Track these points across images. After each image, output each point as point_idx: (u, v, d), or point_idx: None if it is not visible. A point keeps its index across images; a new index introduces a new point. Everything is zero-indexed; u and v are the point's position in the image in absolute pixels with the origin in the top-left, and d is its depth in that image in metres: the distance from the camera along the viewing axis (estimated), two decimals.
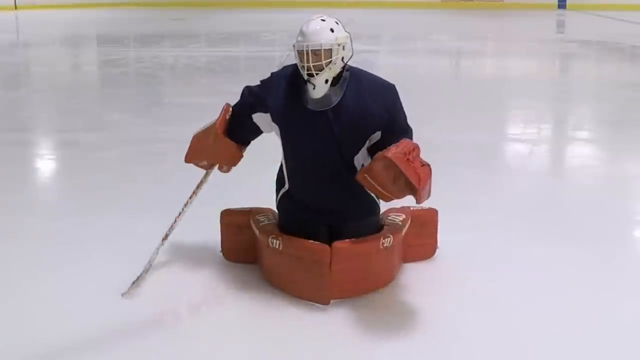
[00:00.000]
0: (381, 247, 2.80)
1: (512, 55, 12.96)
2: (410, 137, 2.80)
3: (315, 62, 2.62)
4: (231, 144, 2.93)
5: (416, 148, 2.62)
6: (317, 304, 2.71)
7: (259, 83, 2.92)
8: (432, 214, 3.17)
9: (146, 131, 6.03)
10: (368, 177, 2.64)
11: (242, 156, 3.02)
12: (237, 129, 2.94)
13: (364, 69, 2.88)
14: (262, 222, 2.96)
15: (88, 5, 23.53)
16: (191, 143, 3.04)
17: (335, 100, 2.69)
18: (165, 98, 8.00)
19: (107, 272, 3.05)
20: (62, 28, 17.47)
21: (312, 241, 2.72)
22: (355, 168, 2.81)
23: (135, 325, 2.60)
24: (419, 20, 20.20)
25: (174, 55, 11.56)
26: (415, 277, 2.99)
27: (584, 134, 6.30)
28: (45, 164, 5.29)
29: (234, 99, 2.94)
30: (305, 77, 2.65)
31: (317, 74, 2.63)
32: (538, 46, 14.07)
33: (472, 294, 2.86)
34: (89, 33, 16.53)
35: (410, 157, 2.56)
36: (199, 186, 3.10)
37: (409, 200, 3.27)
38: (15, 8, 22.50)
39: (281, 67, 2.89)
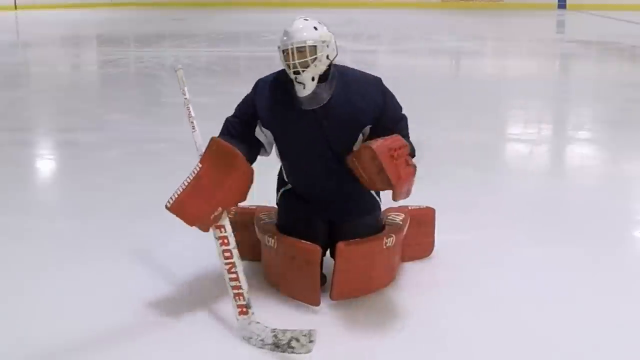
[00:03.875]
0: (384, 247, 2.81)
1: (512, 55, 12.97)
2: (405, 126, 2.82)
3: (301, 59, 2.63)
4: (251, 168, 2.72)
5: (405, 146, 2.58)
6: (310, 305, 2.71)
7: (245, 97, 2.86)
8: (430, 213, 3.18)
9: (146, 131, 6.03)
10: (356, 162, 2.65)
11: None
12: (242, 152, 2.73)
13: (365, 68, 2.89)
14: (263, 220, 2.97)
15: (88, 5, 23.56)
16: (186, 198, 2.58)
17: (326, 97, 2.70)
18: (165, 98, 7.99)
19: (107, 272, 3.05)
20: (62, 28, 17.48)
21: (304, 241, 2.73)
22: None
23: (136, 325, 2.60)
24: (419, 20, 20.20)
25: (174, 55, 11.55)
26: (414, 276, 3.00)
27: (584, 134, 6.30)
28: (45, 164, 5.29)
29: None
30: (292, 75, 2.66)
31: (303, 71, 2.64)
32: (538, 46, 14.08)
33: (471, 294, 2.86)
34: (89, 33, 16.54)
35: (395, 153, 2.53)
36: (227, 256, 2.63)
37: (407, 200, 3.29)
38: (15, 8, 22.52)
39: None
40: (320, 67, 2.67)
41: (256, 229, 2.95)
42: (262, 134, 2.81)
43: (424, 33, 16.17)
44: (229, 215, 2.69)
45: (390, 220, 2.98)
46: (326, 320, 2.63)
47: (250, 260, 3.10)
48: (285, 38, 2.66)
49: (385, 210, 3.08)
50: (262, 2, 25.14)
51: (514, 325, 2.62)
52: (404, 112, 2.85)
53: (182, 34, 15.14)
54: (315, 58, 2.64)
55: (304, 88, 2.67)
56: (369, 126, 2.75)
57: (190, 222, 2.62)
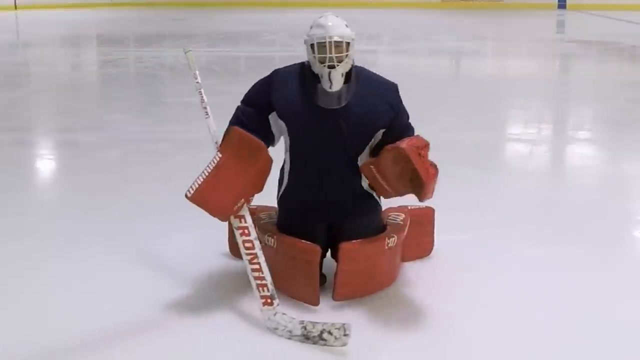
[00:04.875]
0: (386, 248, 2.81)
1: (512, 55, 12.97)
2: (412, 134, 2.83)
3: (338, 53, 2.66)
4: (271, 159, 2.70)
5: (428, 145, 2.65)
6: (309, 304, 2.71)
7: (258, 83, 2.84)
8: (430, 212, 3.18)
9: (146, 131, 6.03)
10: (373, 169, 2.67)
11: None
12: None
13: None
14: (263, 220, 2.97)
15: (88, 5, 23.56)
16: (206, 188, 2.56)
17: (346, 99, 2.71)
18: (165, 98, 7.99)
19: (107, 271, 3.05)
20: (62, 28, 17.48)
21: (303, 241, 2.72)
22: (358, 167, 2.83)
23: (136, 325, 2.60)
24: (419, 20, 20.20)
25: (174, 55, 11.55)
26: (414, 276, 2.99)
27: (584, 134, 6.31)
28: (45, 164, 5.29)
29: (234, 98, 2.92)
30: (324, 70, 2.66)
31: (337, 65, 2.66)
32: (538, 46, 14.08)
33: (471, 294, 2.86)
34: (89, 33, 16.54)
35: (422, 152, 2.59)
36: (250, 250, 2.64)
37: (406, 200, 3.28)
38: (15, 8, 22.52)
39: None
40: (348, 65, 2.71)
41: (256, 228, 2.94)
42: (275, 124, 2.78)
43: (424, 33, 16.16)
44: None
45: (391, 221, 2.98)
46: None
47: None
48: (321, 31, 2.68)
49: (385, 210, 3.08)
50: (262, 2, 25.14)
51: (513, 325, 2.62)
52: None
53: (182, 34, 15.14)
54: (347, 55, 2.68)
55: (333, 84, 2.68)
56: (382, 130, 2.77)
57: (214, 213, 2.61)
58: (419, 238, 3.13)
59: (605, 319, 2.68)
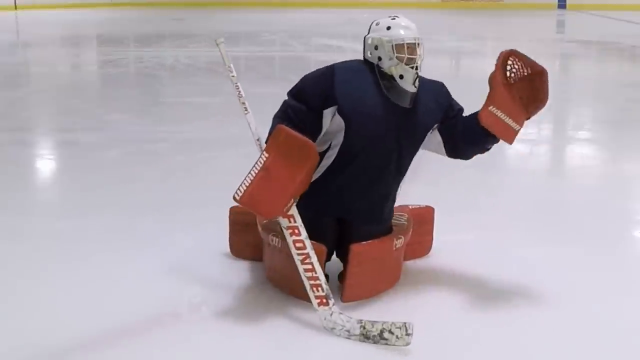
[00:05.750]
0: (394, 249, 2.82)
1: None
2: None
3: (420, 54, 2.72)
4: (318, 155, 2.63)
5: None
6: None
7: (315, 78, 2.74)
8: (430, 211, 3.19)
9: (146, 131, 6.03)
10: (494, 109, 2.77)
11: None
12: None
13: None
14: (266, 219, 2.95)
15: (88, 5, 23.53)
16: (255, 190, 2.49)
17: (414, 99, 2.74)
18: (165, 98, 7.99)
19: (107, 271, 3.05)
20: (62, 28, 17.46)
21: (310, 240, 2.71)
22: (405, 170, 2.84)
23: (136, 325, 2.60)
24: (419, 20, 20.08)
25: (174, 55, 11.55)
26: (414, 276, 3.00)
27: (584, 134, 6.31)
28: (45, 164, 5.29)
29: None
30: (412, 70, 2.69)
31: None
32: (538, 46, 14.07)
33: (471, 294, 2.86)
34: (89, 33, 16.53)
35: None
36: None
37: (406, 200, 3.29)
38: (15, 8, 22.49)
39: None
40: None
41: (259, 227, 2.93)
42: (328, 121, 2.69)
43: (424, 33, 15.88)
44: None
45: (395, 221, 2.98)
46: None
47: (248, 260, 3.10)
48: (408, 32, 2.72)
49: None
50: (262, 2, 25.13)
51: (513, 325, 2.62)
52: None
53: (182, 34, 15.12)
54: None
55: (415, 84, 2.72)
56: (432, 129, 2.84)
57: (264, 214, 2.57)
58: (420, 237, 3.13)
59: (606, 319, 2.68)
